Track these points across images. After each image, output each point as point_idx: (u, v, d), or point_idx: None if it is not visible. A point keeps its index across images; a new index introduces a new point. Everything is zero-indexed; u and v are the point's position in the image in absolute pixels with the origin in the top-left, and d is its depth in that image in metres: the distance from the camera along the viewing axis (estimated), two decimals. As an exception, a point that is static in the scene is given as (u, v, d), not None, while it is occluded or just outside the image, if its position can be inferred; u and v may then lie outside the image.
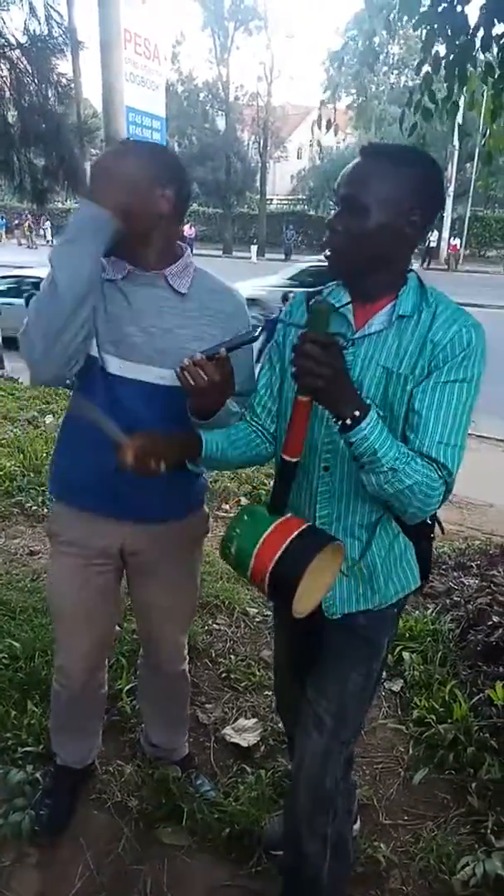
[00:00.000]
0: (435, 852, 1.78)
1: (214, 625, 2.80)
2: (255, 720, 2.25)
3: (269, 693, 2.39)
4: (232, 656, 2.60)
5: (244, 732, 2.19)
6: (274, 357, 1.43)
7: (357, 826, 1.84)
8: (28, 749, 2.00)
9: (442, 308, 1.22)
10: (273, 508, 1.23)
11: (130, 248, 1.38)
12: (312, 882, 1.40)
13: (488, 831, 1.84)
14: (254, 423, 1.43)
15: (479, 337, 1.18)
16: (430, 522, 1.40)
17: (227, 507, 4.13)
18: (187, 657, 1.89)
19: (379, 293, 1.26)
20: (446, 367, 1.17)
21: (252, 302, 14.30)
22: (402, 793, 2.01)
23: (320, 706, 1.37)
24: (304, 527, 1.19)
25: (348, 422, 1.09)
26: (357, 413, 1.08)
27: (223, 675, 2.49)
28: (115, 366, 1.42)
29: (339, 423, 1.10)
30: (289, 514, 1.23)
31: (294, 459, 1.17)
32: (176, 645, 1.81)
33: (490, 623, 2.64)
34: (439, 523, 1.44)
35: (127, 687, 2.28)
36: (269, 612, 2.91)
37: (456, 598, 2.91)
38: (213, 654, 2.60)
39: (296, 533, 1.16)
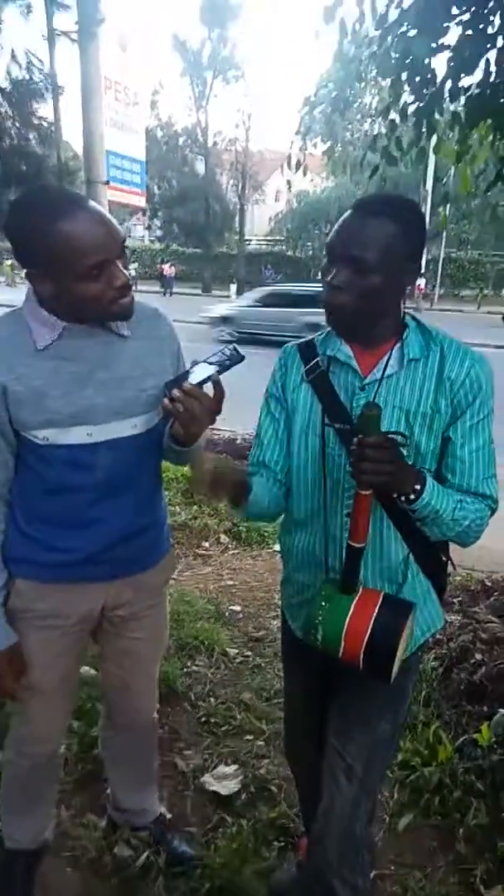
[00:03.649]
0: (423, 904, 1.72)
1: (193, 667, 2.73)
2: (235, 767, 2.17)
3: (251, 738, 2.32)
4: (212, 699, 2.53)
5: (224, 780, 2.11)
6: (274, 409, 1.42)
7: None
8: None
9: (447, 345, 1.28)
10: (345, 588, 1.24)
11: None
12: None
13: (477, 880, 1.78)
14: (274, 478, 1.41)
15: (489, 369, 1.27)
16: (444, 559, 1.41)
17: (207, 544, 4.08)
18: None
19: (380, 339, 1.29)
20: (477, 405, 1.25)
21: (225, 320, 15.48)
22: (388, 841, 1.95)
23: (349, 754, 1.33)
24: (381, 598, 1.22)
25: (412, 496, 1.15)
26: (417, 486, 1.15)
27: (202, 719, 2.42)
28: (79, 435, 1.33)
29: (402, 498, 1.17)
30: (360, 590, 1.24)
31: (360, 545, 1.19)
32: (150, 688, 1.74)
33: (473, 661, 2.61)
34: (449, 558, 1.44)
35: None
36: (249, 653, 2.86)
37: (438, 636, 2.88)
38: (193, 698, 2.53)
39: (378, 606, 1.20)
